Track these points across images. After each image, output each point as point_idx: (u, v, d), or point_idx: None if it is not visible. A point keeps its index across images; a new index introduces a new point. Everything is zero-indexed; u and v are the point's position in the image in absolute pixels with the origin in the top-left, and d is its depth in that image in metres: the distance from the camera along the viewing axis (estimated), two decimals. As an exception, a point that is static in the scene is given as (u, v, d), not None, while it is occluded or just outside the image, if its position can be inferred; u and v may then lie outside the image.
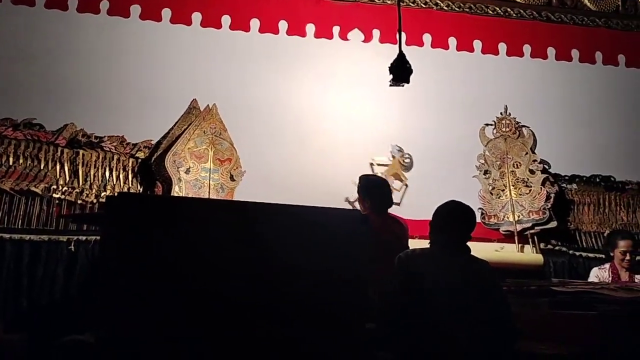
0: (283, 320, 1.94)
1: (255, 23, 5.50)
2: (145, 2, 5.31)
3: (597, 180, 5.60)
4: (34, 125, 4.74)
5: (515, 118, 5.60)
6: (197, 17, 5.39)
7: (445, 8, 5.89)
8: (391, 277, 2.45)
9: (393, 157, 5.27)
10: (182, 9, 5.38)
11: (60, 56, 5.05)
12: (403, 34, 4.25)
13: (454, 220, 2.62)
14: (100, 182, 4.73)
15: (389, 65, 4.02)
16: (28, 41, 5.04)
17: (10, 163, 4.57)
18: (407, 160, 5.29)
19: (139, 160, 4.87)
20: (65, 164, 4.70)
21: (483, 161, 5.46)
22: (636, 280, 3.97)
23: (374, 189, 3.53)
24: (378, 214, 3.43)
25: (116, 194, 4.51)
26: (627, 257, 4.07)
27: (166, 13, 5.34)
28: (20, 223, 4.48)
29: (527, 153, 5.44)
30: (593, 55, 6.02)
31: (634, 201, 5.55)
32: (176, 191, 4.63)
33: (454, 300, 2.33)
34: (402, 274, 2.43)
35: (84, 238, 4.47)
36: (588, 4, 6.13)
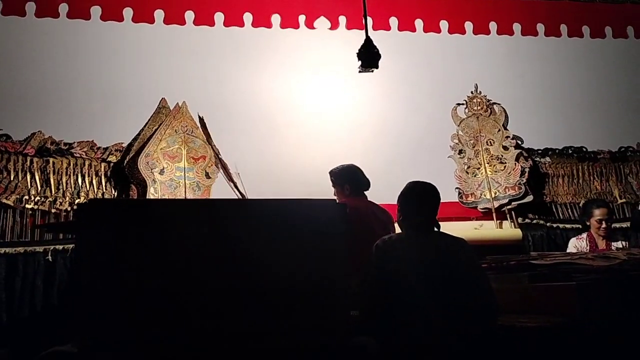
0: (266, 314, 1.93)
1: (219, 17, 5.44)
2: (105, 3, 5.22)
3: (570, 152, 5.68)
4: (0, 136, 4.63)
5: (486, 96, 5.65)
6: (159, 14, 5.31)
7: (410, -10, 5.90)
8: (370, 264, 2.45)
9: None
10: (143, 7, 5.30)
11: (22, 64, 4.94)
12: (369, 19, 4.26)
13: (418, 200, 2.62)
14: (73, 189, 4.65)
15: (357, 52, 4.01)
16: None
17: (-21, 177, 4.47)
18: None
19: (111, 164, 4.81)
20: (36, 173, 4.61)
21: (457, 141, 5.50)
22: (613, 248, 4.03)
23: (350, 173, 3.57)
24: (359, 198, 3.47)
25: (89, 200, 4.44)
26: (603, 226, 4.14)
27: (127, 12, 5.25)
28: (-7, 236, 4.39)
29: (499, 130, 5.50)
30: (558, 29, 6.08)
31: (606, 170, 5.64)
32: (152, 193, 4.58)
33: (434, 281, 2.34)
34: (381, 261, 2.43)
35: (60, 247, 4.39)
36: (550, -23, 6.19)
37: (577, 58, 6.03)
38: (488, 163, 5.37)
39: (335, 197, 3.63)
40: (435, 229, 2.59)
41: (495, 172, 5.33)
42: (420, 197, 2.64)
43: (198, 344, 1.86)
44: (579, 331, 2.27)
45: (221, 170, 3.75)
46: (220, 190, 4.78)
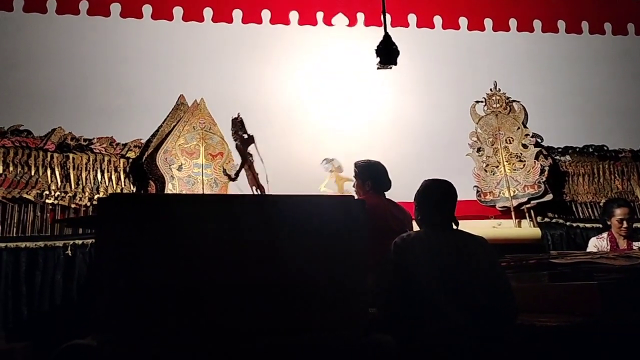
0: (282, 311, 1.93)
1: (237, 14, 5.45)
2: (124, 0, 5.25)
3: (590, 150, 5.60)
4: (21, 131, 4.69)
5: (505, 93, 5.59)
6: (178, 11, 5.34)
7: (429, -13, 5.86)
8: (389, 262, 2.44)
9: (331, 171, 4.97)
10: (162, 4, 5.33)
11: (42, 60, 5.00)
12: (388, 16, 4.24)
13: (435, 198, 2.60)
14: (92, 185, 4.69)
15: (376, 48, 4.00)
16: (8, 47, 4.98)
17: (0, 171, 4.52)
18: (338, 166, 4.93)
19: (130, 161, 4.84)
20: (56, 169, 4.66)
21: (475, 139, 5.45)
22: (634, 248, 3.97)
23: (375, 171, 3.57)
24: (378, 195, 3.49)
25: (110, 194, 4.48)
26: (625, 225, 4.07)
27: (147, 9, 5.29)
28: (15, 231, 4.44)
29: (519, 128, 5.43)
30: (579, 25, 6.00)
31: (627, 169, 5.55)
32: (169, 189, 4.61)
33: (452, 279, 2.32)
34: (399, 258, 2.42)
35: (80, 242, 4.44)
36: (571, -27, 6.11)
37: (599, 55, 5.94)
38: (507, 161, 5.32)
39: (353, 188, 3.64)
40: (454, 227, 2.57)
41: (514, 170, 5.28)
42: (437, 195, 2.63)
43: (214, 340, 1.86)
44: (600, 331, 2.24)
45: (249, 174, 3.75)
46: (237, 187, 4.79)
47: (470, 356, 2.19)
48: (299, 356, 1.89)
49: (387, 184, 3.57)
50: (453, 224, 2.59)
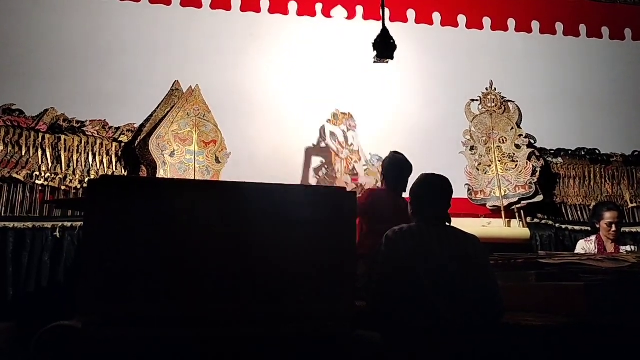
0: (271, 299, 1.93)
1: (236, 1, 5.41)
2: (123, -17, 5.21)
3: (582, 153, 5.63)
4: (13, 111, 4.64)
5: (500, 93, 5.59)
6: (176, -5, 5.30)
7: (429, -17, 5.85)
8: (379, 254, 2.43)
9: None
10: (161, -12, 5.28)
11: (38, 40, 4.95)
12: (387, 10, 4.23)
13: (430, 192, 2.59)
14: (83, 167, 4.66)
15: (373, 42, 3.99)
16: (3, 25, 4.92)
17: (-10, 150, 4.48)
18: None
19: (122, 145, 4.81)
20: (47, 150, 4.62)
21: (469, 137, 5.46)
22: (622, 252, 4.00)
23: (391, 169, 3.57)
24: (387, 190, 3.54)
25: (100, 176, 4.45)
26: (613, 229, 4.09)
27: (145, -7, 5.23)
28: (3, 211, 4.41)
29: (512, 128, 5.45)
30: (577, 28, 6.01)
31: (618, 173, 5.59)
32: (161, 175, 4.58)
33: (442, 274, 2.32)
34: (390, 251, 2.41)
35: (69, 224, 4.41)
36: (571, -24, 6.11)
37: (595, 59, 5.96)
38: (499, 161, 5.33)
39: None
40: (447, 224, 2.56)
41: (506, 170, 5.29)
42: (433, 190, 2.61)
43: (199, 325, 1.86)
44: (585, 331, 2.26)
45: None
46: (229, 175, 4.78)
47: (456, 352, 2.20)
48: (284, 345, 1.89)
49: (398, 186, 3.52)
50: (446, 220, 2.58)
